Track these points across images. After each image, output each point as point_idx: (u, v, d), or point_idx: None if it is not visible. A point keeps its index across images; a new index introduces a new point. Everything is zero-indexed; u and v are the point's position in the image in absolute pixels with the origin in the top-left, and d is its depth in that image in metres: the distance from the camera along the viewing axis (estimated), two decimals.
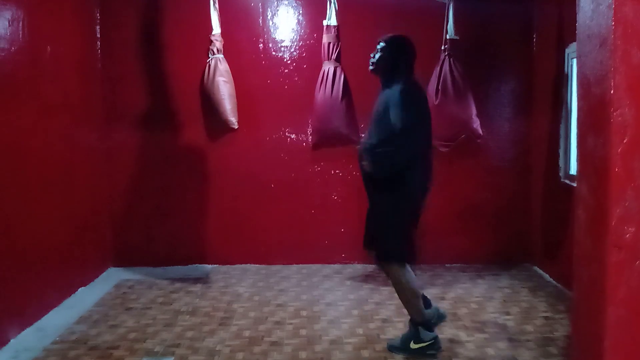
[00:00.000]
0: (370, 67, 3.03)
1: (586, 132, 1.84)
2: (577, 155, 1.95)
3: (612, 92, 1.67)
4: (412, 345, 2.96)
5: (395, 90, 2.88)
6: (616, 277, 1.70)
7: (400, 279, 2.93)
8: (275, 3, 4.60)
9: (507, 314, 3.59)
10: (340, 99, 4.09)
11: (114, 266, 4.62)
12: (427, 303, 3.03)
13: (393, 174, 2.87)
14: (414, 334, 2.97)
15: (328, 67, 4.13)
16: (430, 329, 2.98)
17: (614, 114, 1.67)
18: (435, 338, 2.98)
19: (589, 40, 1.81)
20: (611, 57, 1.67)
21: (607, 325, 1.71)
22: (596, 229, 1.78)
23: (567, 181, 4.06)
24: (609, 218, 1.69)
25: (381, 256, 3.00)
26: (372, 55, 3.03)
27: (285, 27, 4.60)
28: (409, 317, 3.03)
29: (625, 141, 1.67)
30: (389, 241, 2.95)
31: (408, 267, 2.94)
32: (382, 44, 3.02)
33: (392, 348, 3.03)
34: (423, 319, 2.96)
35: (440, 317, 3.07)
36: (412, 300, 2.95)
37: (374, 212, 3.03)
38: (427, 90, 4.20)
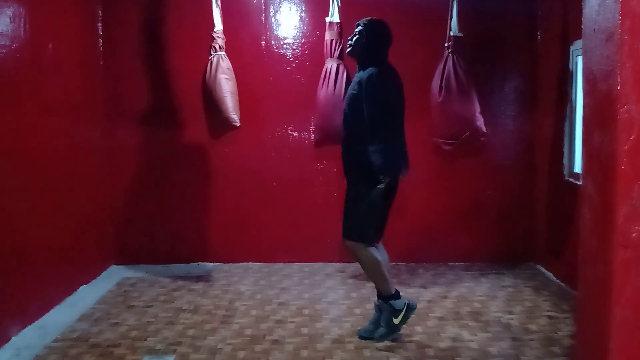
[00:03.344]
0: (347, 50, 3.13)
1: (592, 129, 1.82)
2: (583, 153, 1.92)
3: (618, 87, 1.64)
4: (395, 321, 3.05)
5: (367, 74, 2.96)
6: (622, 277, 1.67)
7: (362, 254, 3.04)
8: (278, 0, 4.58)
9: (511, 313, 3.56)
10: (342, 96, 4.06)
11: (116, 264, 4.61)
12: (395, 294, 3.11)
13: (364, 158, 2.96)
14: (390, 311, 3.06)
15: (330, 65, 4.11)
16: (398, 297, 3.08)
17: (621, 110, 1.64)
18: (407, 302, 3.09)
19: (595, 35, 1.79)
20: (618, 52, 1.64)
21: (613, 325, 1.69)
22: (602, 227, 1.75)
23: (571, 179, 4.03)
24: (615, 216, 1.66)
25: (348, 234, 3.10)
26: (349, 38, 3.12)
27: (287, 24, 4.58)
28: (377, 301, 3.13)
29: (632, 138, 1.64)
30: (356, 220, 3.05)
31: (372, 247, 3.05)
32: (359, 27, 3.10)
33: (380, 338, 3.08)
34: (389, 288, 3.07)
35: (412, 307, 3.13)
36: (376, 269, 3.05)
37: (347, 194, 3.14)
38: (430, 88, 4.19)
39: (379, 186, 2.95)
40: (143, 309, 3.64)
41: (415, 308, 3.16)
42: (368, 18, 3.13)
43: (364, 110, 2.95)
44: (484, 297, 3.86)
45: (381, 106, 2.95)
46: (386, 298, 3.09)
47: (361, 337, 3.14)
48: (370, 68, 2.98)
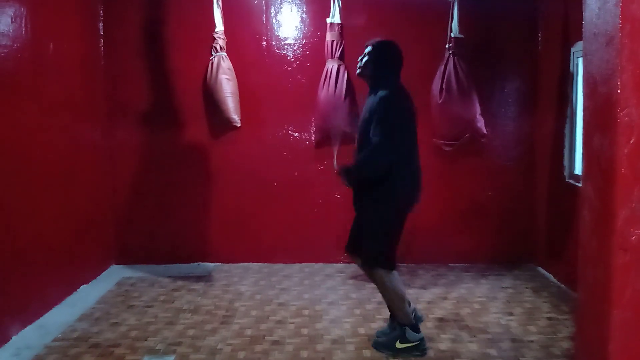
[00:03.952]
0: (357, 72, 3.03)
1: (592, 132, 1.82)
2: (583, 156, 1.92)
3: (618, 91, 1.64)
4: (398, 345, 2.97)
5: (378, 98, 2.86)
6: (622, 279, 1.67)
7: (385, 284, 2.94)
8: (279, 0, 4.58)
9: (511, 314, 3.56)
10: (343, 97, 4.08)
11: (116, 264, 4.62)
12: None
13: (378, 181, 2.87)
14: (400, 333, 2.98)
15: (331, 65, 4.12)
16: (417, 330, 2.99)
17: (621, 113, 1.64)
18: (422, 339, 2.98)
19: (595, 38, 1.79)
20: (618, 56, 1.64)
21: (612, 327, 1.69)
22: (602, 230, 1.75)
23: (571, 181, 4.03)
24: (615, 220, 1.66)
25: (367, 262, 3.00)
26: (359, 59, 3.02)
27: (288, 24, 4.58)
28: (393, 317, 3.04)
29: (632, 141, 1.64)
30: (375, 248, 2.94)
31: (394, 272, 2.95)
32: (369, 47, 3.00)
33: (377, 346, 3.04)
34: (410, 321, 2.97)
35: (417, 319, 3.06)
36: (397, 303, 2.96)
37: (360, 219, 3.04)
38: (431, 89, 4.19)
39: (396, 209, 2.88)
40: (143, 309, 3.65)
41: (425, 351, 2.99)
42: (377, 39, 3.02)
43: (371, 132, 2.82)
44: (484, 298, 3.87)
45: (400, 130, 2.83)
46: (404, 324, 2.98)
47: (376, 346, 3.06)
48: (381, 92, 2.87)
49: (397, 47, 3.01)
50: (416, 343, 2.96)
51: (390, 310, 3.07)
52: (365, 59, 2.98)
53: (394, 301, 2.97)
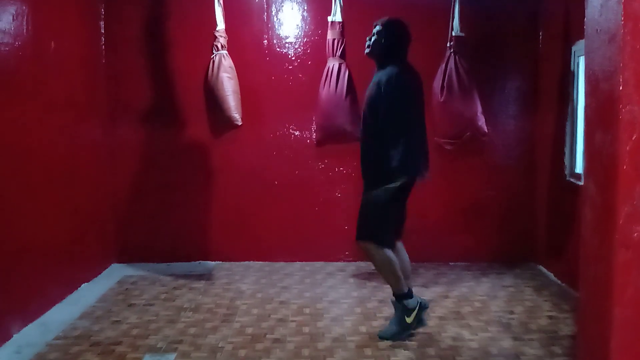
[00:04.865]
0: (366, 50, 3.08)
1: (594, 129, 1.82)
2: (585, 153, 1.92)
3: (620, 88, 1.64)
4: (408, 320, 3.03)
5: (386, 74, 2.92)
6: (623, 277, 1.67)
7: (376, 255, 3.01)
8: None
9: (511, 312, 3.56)
10: (344, 96, 4.07)
11: (117, 262, 4.62)
12: (408, 292, 3.10)
13: (376, 160, 2.96)
14: (402, 310, 3.04)
15: (332, 64, 4.11)
16: (411, 296, 3.06)
17: (623, 110, 1.64)
18: (420, 302, 3.08)
19: (597, 35, 1.79)
20: (620, 53, 1.64)
21: (614, 325, 1.69)
22: (603, 227, 1.75)
23: (572, 180, 4.03)
24: (617, 217, 1.66)
25: (359, 234, 3.06)
26: (368, 38, 3.07)
27: (289, 23, 4.58)
28: (392, 299, 3.11)
29: (634, 138, 1.64)
30: (370, 221, 3.01)
31: (387, 249, 3.02)
32: (378, 27, 3.05)
33: (390, 336, 3.06)
34: (402, 288, 3.04)
35: (424, 306, 3.13)
36: (389, 268, 3.01)
37: (364, 195, 3.10)
38: (432, 87, 4.18)
39: (391, 184, 2.93)
40: (144, 307, 3.65)
41: (427, 307, 3.16)
42: (386, 18, 3.08)
43: (380, 110, 2.91)
44: (485, 296, 3.87)
45: (400, 106, 2.90)
46: (399, 297, 3.06)
47: (382, 338, 3.10)
48: (388, 68, 2.94)
49: (405, 25, 3.08)
50: (418, 306, 3.06)
51: (387, 283, 3.14)
52: (374, 38, 3.03)
53: (384, 267, 3.03)
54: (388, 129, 2.91)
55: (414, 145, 3.00)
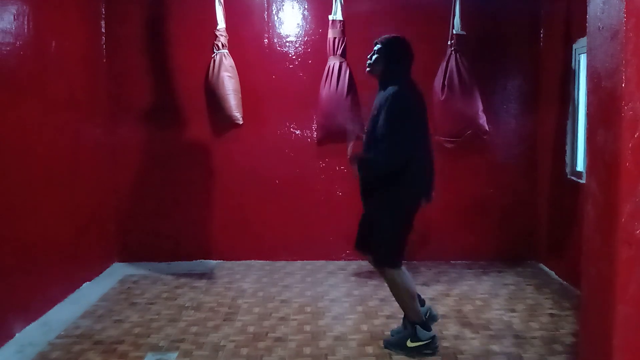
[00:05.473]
0: (367, 69, 3.00)
1: (596, 127, 1.82)
2: (587, 151, 1.92)
3: (623, 85, 1.64)
4: (409, 344, 2.94)
5: (387, 94, 2.84)
6: (626, 275, 1.67)
7: (395, 281, 2.93)
8: None
9: (513, 311, 3.56)
10: (345, 95, 4.07)
11: (119, 261, 4.63)
12: (420, 301, 3.03)
13: (388, 179, 2.86)
14: (410, 332, 2.96)
15: (333, 63, 4.11)
16: (428, 328, 2.97)
17: (625, 108, 1.64)
18: (433, 337, 2.96)
19: (599, 33, 1.79)
20: (623, 50, 1.64)
21: (616, 323, 1.69)
22: (606, 225, 1.75)
23: (573, 178, 4.03)
24: (619, 214, 1.66)
25: (377, 261, 3.00)
26: (369, 57, 2.99)
27: (290, 22, 4.58)
28: (404, 316, 3.03)
29: (636, 136, 1.64)
30: (384, 246, 2.94)
31: (403, 269, 2.95)
32: (378, 45, 2.97)
33: (388, 345, 3.02)
34: (420, 319, 2.96)
35: (432, 318, 3.05)
36: (407, 301, 2.95)
37: (369, 217, 3.02)
38: (433, 86, 4.18)
39: (399, 210, 2.87)
40: (146, 306, 3.65)
41: (437, 319, 3.06)
42: (386, 36, 2.99)
43: (379, 128, 2.81)
44: (486, 295, 3.86)
45: (401, 126, 2.80)
46: (414, 323, 2.97)
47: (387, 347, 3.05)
48: (390, 87, 2.86)
49: (406, 42, 2.99)
50: (427, 341, 2.94)
51: (401, 309, 3.05)
52: (375, 56, 2.96)
53: (404, 299, 2.95)
54: (394, 151, 2.82)
55: (425, 166, 2.96)
